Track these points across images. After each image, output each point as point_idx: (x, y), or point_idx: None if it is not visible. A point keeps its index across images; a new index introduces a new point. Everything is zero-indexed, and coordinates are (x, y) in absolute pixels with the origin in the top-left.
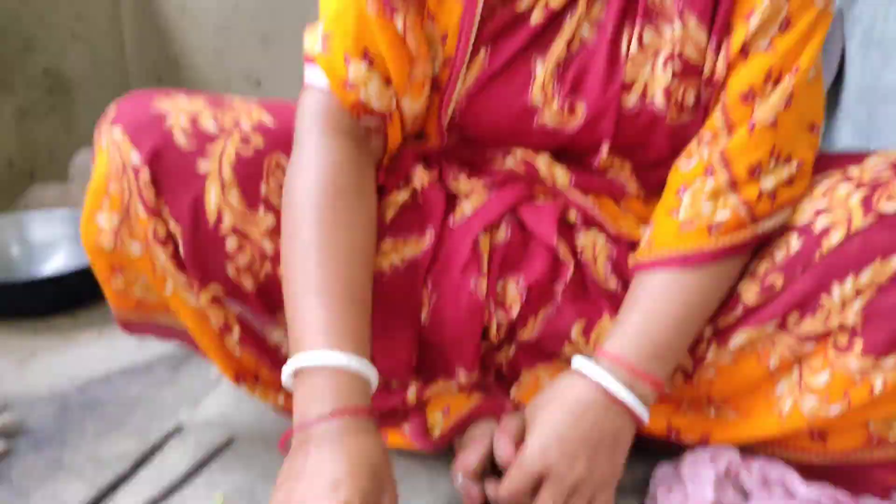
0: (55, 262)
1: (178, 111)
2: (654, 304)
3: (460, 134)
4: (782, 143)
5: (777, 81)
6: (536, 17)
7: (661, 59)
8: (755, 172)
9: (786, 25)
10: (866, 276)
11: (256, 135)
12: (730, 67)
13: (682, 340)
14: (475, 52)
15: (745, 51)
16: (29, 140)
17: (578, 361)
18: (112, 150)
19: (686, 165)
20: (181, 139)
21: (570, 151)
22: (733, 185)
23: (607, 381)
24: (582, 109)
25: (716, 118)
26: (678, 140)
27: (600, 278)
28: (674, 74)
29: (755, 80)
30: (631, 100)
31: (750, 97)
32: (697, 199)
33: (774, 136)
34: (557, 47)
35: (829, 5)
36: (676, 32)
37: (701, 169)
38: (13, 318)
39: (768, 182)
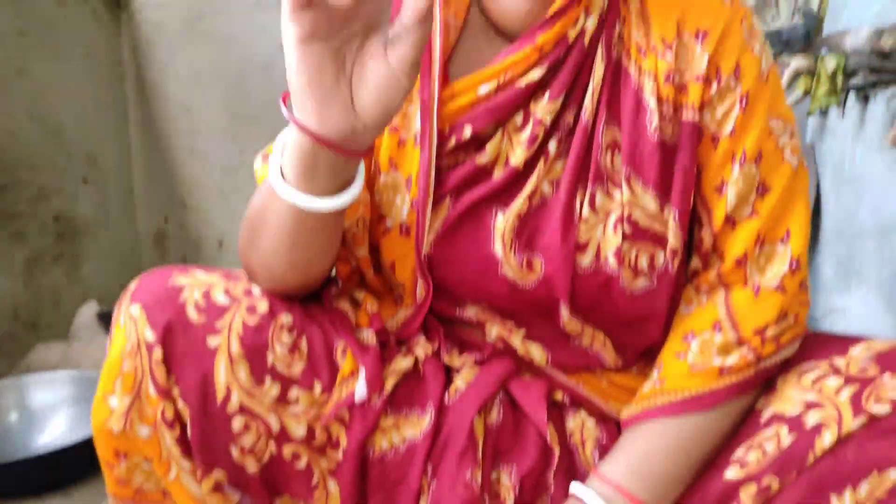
0: (54, 430)
1: (194, 285)
2: (660, 439)
3: (437, 286)
4: (789, 305)
5: (764, 243)
6: (498, 173)
7: (611, 222)
8: (762, 332)
9: (763, 190)
10: (864, 489)
11: (262, 300)
12: (717, 238)
13: (684, 477)
14: (440, 199)
15: (730, 221)
16: (36, 290)
17: (579, 488)
18: (129, 327)
19: (686, 310)
20: (193, 314)
21: (536, 309)
22: (741, 341)
23: None
24: (539, 266)
25: (710, 275)
26: (641, 304)
27: (588, 464)
28: (624, 237)
29: (748, 246)
30: (585, 260)
31: (743, 262)
32: (707, 350)
33: (782, 301)
34: (518, 201)
35: (803, 162)
36: (625, 197)
37: (708, 321)
38: (3, 498)
39: (773, 331)
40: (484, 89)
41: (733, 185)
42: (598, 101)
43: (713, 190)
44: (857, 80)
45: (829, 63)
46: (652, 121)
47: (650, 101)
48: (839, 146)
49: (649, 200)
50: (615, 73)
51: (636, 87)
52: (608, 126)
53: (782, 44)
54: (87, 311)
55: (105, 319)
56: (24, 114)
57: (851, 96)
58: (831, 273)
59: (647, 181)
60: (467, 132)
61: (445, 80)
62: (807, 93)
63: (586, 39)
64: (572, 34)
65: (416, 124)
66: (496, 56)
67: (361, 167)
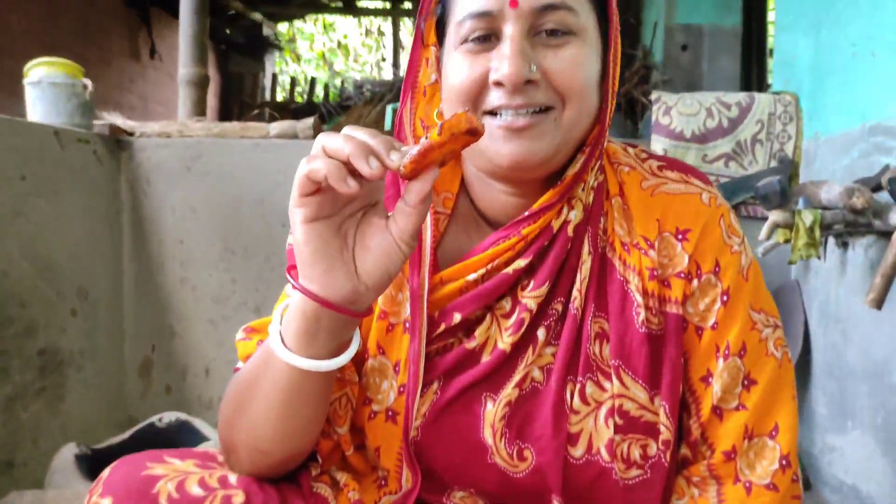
0: None
1: (168, 476)
2: None
3: (423, 471)
4: (781, 503)
5: (752, 437)
6: (487, 358)
7: (602, 413)
8: None
9: (749, 383)
10: None
11: (238, 492)
12: (704, 429)
13: None
14: (428, 383)
15: (717, 412)
16: (14, 426)
17: None
18: None
19: (679, 502)
20: None
21: (527, 497)
22: None
23: None
24: (531, 455)
25: (700, 468)
26: (635, 494)
27: None
28: (616, 429)
29: (736, 440)
30: (577, 451)
31: (732, 456)
32: None
33: (774, 499)
34: (508, 388)
35: (787, 355)
36: (615, 388)
37: None
38: None
39: None
40: (472, 277)
41: (719, 378)
42: (587, 292)
43: (699, 380)
44: (834, 231)
45: (807, 217)
46: (639, 314)
47: (636, 296)
48: (823, 286)
49: (639, 392)
50: (601, 265)
51: (622, 280)
52: (596, 316)
53: (760, 198)
54: (66, 454)
55: (83, 462)
56: (18, 253)
57: (831, 241)
58: (825, 411)
59: (637, 373)
60: (456, 318)
61: (435, 266)
62: (786, 241)
63: (570, 229)
64: (556, 224)
65: (406, 310)
66: (483, 243)
67: (357, 332)
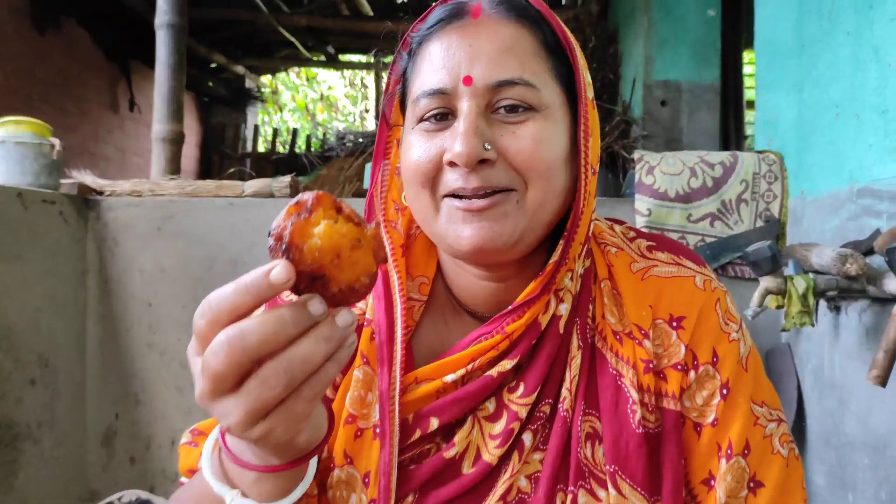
0: None
1: None
2: None
3: None
4: None
5: None
6: (469, 468)
7: None
8: None
9: (756, 485)
10: None
11: None
12: None
13: None
14: (402, 498)
15: None
16: None
17: None
18: None
19: None
20: None
21: None
22: None
23: None
24: None
25: None
26: None
27: None
28: None
29: None
30: None
31: None
32: None
33: None
34: (492, 502)
35: (794, 451)
36: (612, 498)
37: None
38: None
39: None
40: (451, 378)
41: (722, 481)
42: (576, 391)
43: (700, 483)
44: (827, 296)
45: (800, 284)
46: (635, 412)
47: (631, 392)
48: (816, 350)
49: (638, 501)
50: (591, 357)
51: (615, 374)
52: (586, 414)
53: (750, 264)
54: None
55: None
56: None
57: (823, 304)
58: (823, 482)
59: (635, 479)
60: (433, 424)
61: (409, 363)
62: (779, 307)
63: (561, 325)
64: (544, 320)
65: (376, 414)
66: (463, 340)
67: (313, 462)
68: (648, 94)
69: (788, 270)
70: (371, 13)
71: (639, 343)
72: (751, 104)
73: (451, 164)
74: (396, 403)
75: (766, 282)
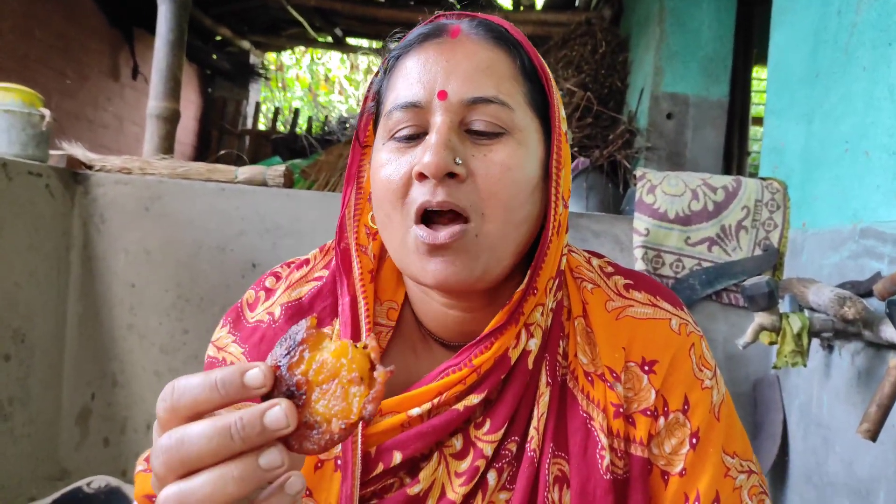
0: None
1: None
2: None
3: None
4: None
5: None
6: None
7: None
8: None
9: None
10: None
11: None
12: None
13: None
14: None
15: None
16: None
17: None
18: None
19: None
20: None
21: None
22: None
23: None
24: None
25: None
26: None
27: None
28: None
29: None
30: None
31: None
32: None
33: None
34: None
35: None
36: None
37: None
38: None
39: None
40: (416, 411)
41: None
42: (544, 430)
43: None
44: (822, 336)
45: (795, 323)
46: (603, 457)
47: (601, 436)
48: (805, 386)
49: None
50: (561, 397)
51: (585, 417)
52: (555, 456)
53: (746, 298)
54: None
55: None
56: None
57: (815, 341)
58: None
59: None
60: (397, 458)
61: None
62: (771, 343)
63: (530, 361)
64: (514, 354)
65: (338, 446)
66: (430, 374)
67: None
68: (655, 106)
69: (783, 304)
70: None
71: (610, 386)
72: (756, 120)
73: (421, 175)
74: (360, 435)
75: (762, 318)
